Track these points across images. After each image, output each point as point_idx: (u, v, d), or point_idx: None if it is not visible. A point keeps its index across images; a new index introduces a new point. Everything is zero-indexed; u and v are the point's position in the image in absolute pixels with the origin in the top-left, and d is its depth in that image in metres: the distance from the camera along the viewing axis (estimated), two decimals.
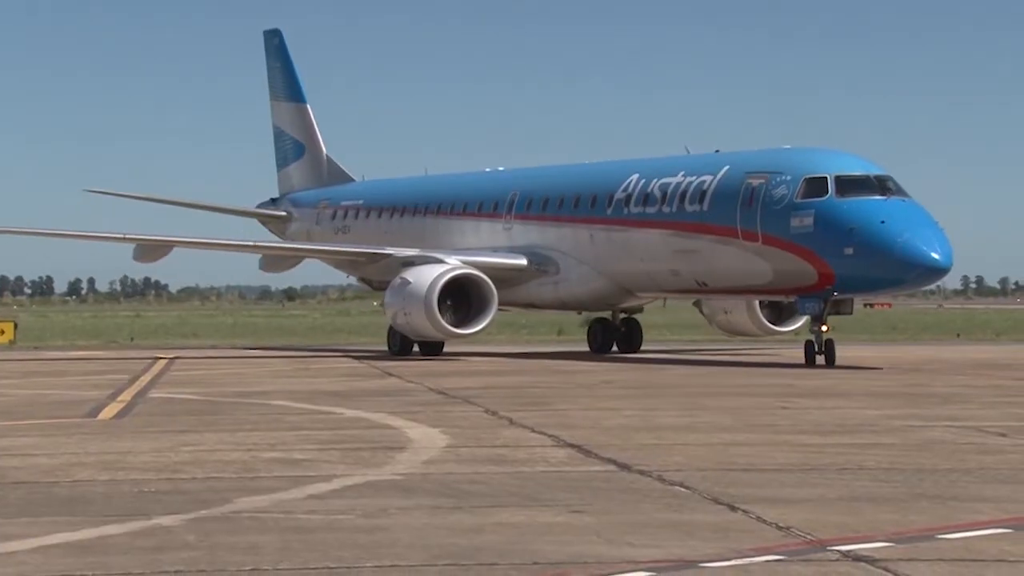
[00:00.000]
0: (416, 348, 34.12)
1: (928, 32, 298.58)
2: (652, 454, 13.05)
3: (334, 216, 42.45)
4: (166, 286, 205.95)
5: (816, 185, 28.56)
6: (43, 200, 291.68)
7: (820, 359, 28.32)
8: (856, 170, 29.06)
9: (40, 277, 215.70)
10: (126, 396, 21.63)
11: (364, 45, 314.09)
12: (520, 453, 13.32)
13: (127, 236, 37.34)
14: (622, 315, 37.08)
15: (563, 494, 10.49)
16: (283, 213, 44.71)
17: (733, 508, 9.74)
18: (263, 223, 45.73)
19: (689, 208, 30.95)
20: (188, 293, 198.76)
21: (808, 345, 28.93)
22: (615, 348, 36.71)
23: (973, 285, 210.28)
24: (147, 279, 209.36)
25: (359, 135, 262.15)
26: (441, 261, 33.15)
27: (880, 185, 28.53)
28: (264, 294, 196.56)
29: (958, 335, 49.58)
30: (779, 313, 33.86)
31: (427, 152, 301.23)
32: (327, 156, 45.36)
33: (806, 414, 17.70)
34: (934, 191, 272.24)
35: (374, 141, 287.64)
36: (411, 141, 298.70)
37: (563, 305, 36.18)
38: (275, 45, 46.34)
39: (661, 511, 9.70)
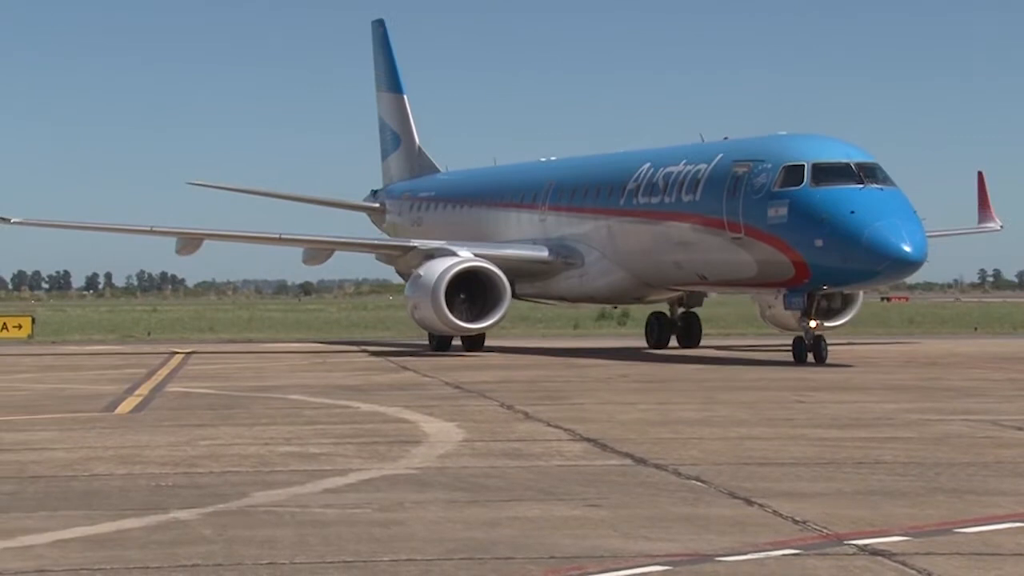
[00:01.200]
0: (458, 342, 33.65)
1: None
2: (668, 448, 13.04)
3: (411, 208, 41.91)
4: (183, 280, 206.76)
5: (794, 173, 27.32)
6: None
7: (811, 356, 27.03)
8: (836, 157, 27.59)
9: (57, 271, 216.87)
10: (143, 390, 21.69)
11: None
12: (536, 447, 13.32)
13: (154, 229, 37.45)
14: (681, 309, 35.68)
15: (579, 488, 10.49)
16: (377, 205, 44.15)
17: (749, 502, 9.73)
18: (368, 215, 45.20)
19: (685, 198, 30.11)
20: (205, 287, 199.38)
21: (797, 342, 27.74)
22: (675, 343, 35.46)
23: (991, 279, 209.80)
24: (164, 273, 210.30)
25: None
26: (454, 254, 32.60)
27: (859, 173, 27.08)
28: (280, 288, 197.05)
29: (975, 328, 49.42)
30: (827, 307, 30.51)
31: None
32: (419, 147, 44.83)
33: (822, 408, 17.66)
34: (952, 182, 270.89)
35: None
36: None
37: (590, 299, 35.54)
38: (380, 35, 45.97)
39: (677, 505, 9.69)
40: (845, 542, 8.21)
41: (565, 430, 14.79)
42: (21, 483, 11.03)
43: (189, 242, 36.23)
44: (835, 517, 9.03)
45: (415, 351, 33.78)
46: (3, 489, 10.66)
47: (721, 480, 10.80)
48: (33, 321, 49.91)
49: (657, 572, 7.42)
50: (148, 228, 38.27)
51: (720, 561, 7.68)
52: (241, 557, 7.85)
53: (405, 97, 45.62)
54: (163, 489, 10.62)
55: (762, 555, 7.83)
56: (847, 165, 27.28)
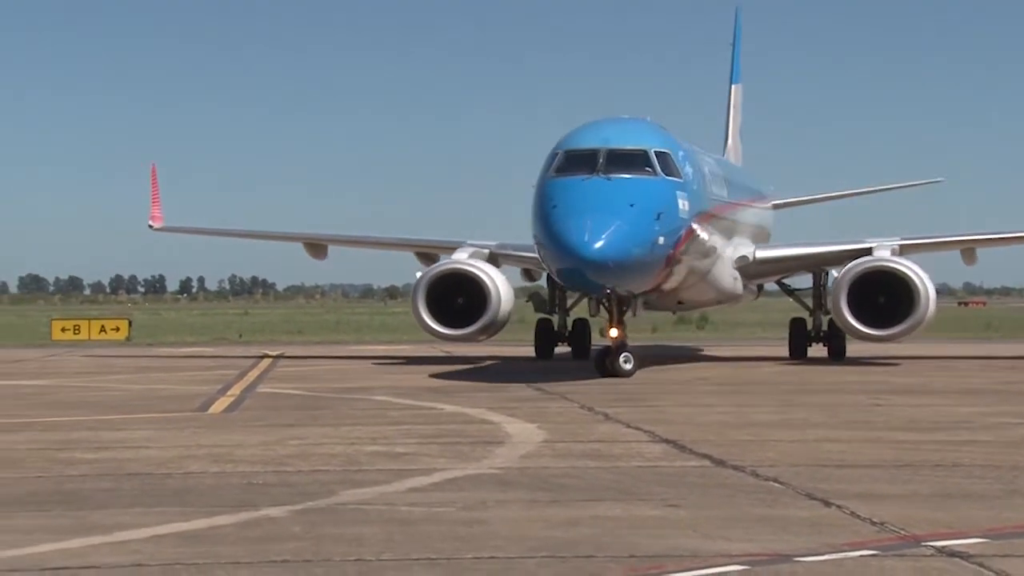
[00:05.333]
0: (567, 348, 31.91)
1: None
2: (746, 450, 12.94)
3: None
4: (273, 284, 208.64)
5: (554, 161, 24.17)
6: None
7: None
8: (590, 144, 24.02)
9: (152, 275, 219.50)
10: (235, 391, 21.89)
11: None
12: (616, 448, 13.27)
13: (284, 234, 36.99)
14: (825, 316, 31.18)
15: (658, 488, 10.44)
16: None
17: (827, 503, 9.63)
18: None
19: None
20: (293, 291, 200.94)
21: (598, 355, 24.96)
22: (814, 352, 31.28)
23: None
24: (254, 277, 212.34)
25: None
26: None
27: (601, 161, 23.39)
28: (366, 292, 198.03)
29: None
30: (878, 316, 27.64)
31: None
32: (731, 140, 41.84)
33: (900, 411, 17.46)
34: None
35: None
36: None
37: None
38: (736, 24, 43.64)
39: (755, 506, 9.62)
40: (923, 543, 8.11)
41: (644, 431, 14.73)
42: (118, 480, 11.17)
43: (316, 248, 35.17)
44: (913, 519, 8.92)
45: (499, 356, 33.71)
46: (101, 486, 10.80)
47: (799, 481, 10.70)
48: (130, 324, 50.65)
49: (736, 572, 7.36)
50: (277, 234, 37.79)
51: (798, 561, 7.61)
52: (329, 553, 7.89)
53: (734, 87, 42.65)
54: (254, 487, 10.69)
55: (840, 556, 7.74)
56: (594, 152, 23.66)
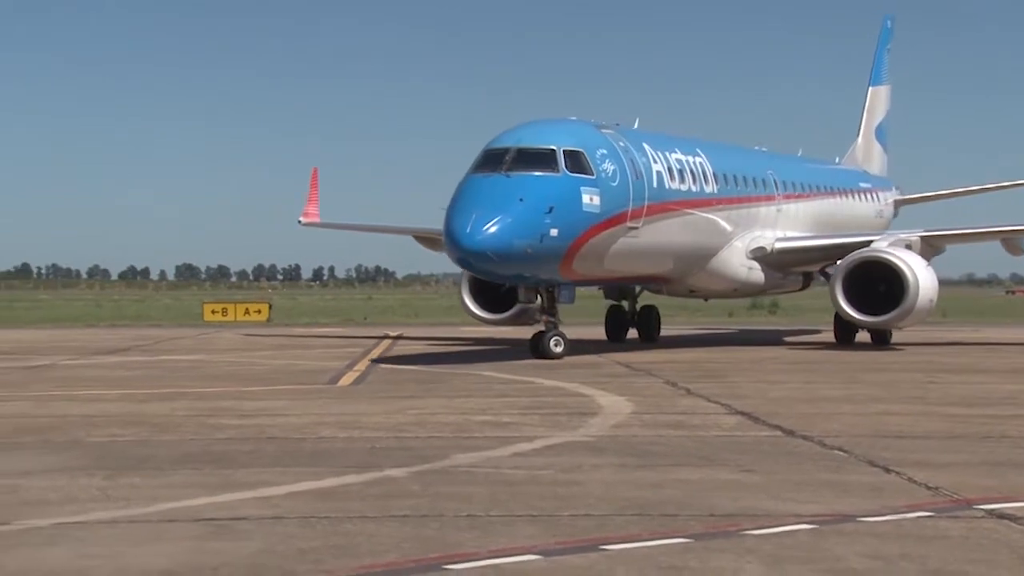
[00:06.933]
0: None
1: None
2: (813, 422, 12.79)
3: None
4: (393, 273, 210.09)
5: (476, 158, 23.33)
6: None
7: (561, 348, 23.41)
8: (504, 143, 23.20)
9: (289, 264, 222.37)
10: (360, 367, 22.06)
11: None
12: (696, 419, 13.19)
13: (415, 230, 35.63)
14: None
15: (735, 455, 10.36)
16: None
17: (887, 470, 9.50)
18: None
19: None
20: (411, 279, 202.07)
21: (532, 338, 23.99)
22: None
23: None
24: (377, 267, 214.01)
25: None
26: None
27: (508, 160, 22.62)
28: None
29: None
30: (877, 304, 26.65)
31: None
32: (859, 141, 40.46)
33: (952, 388, 17.16)
34: None
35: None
36: None
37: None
38: (882, 29, 42.02)
39: (822, 472, 9.50)
40: (974, 506, 7.96)
41: (722, 405, 14.62)
42: (260, 443, 11.31)
43: (428, 241, 33.89)
44: (965, 484, 8.76)
45: (577, 340, 33.54)
46: (245, 448, 10.95)
47: (861, 450, 10.55)
48: (270, 307, 51.34)
49: (805, 530, 7.28)
50: (396, 228, 37.21)
51: (861, 521, 7.51)
52: (443, 510, 7.93)
53: (871, 89, 41.19)
54: (377, 451, 10.76)
55: (898, 517, 7.63)
56: (505, 151, 22.91)
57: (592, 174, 23.30)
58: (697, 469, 9.62)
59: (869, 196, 36.62)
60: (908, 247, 27.87)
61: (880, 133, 41.27)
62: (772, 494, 8.47)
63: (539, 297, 23.95)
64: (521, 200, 22.02)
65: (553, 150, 23.03)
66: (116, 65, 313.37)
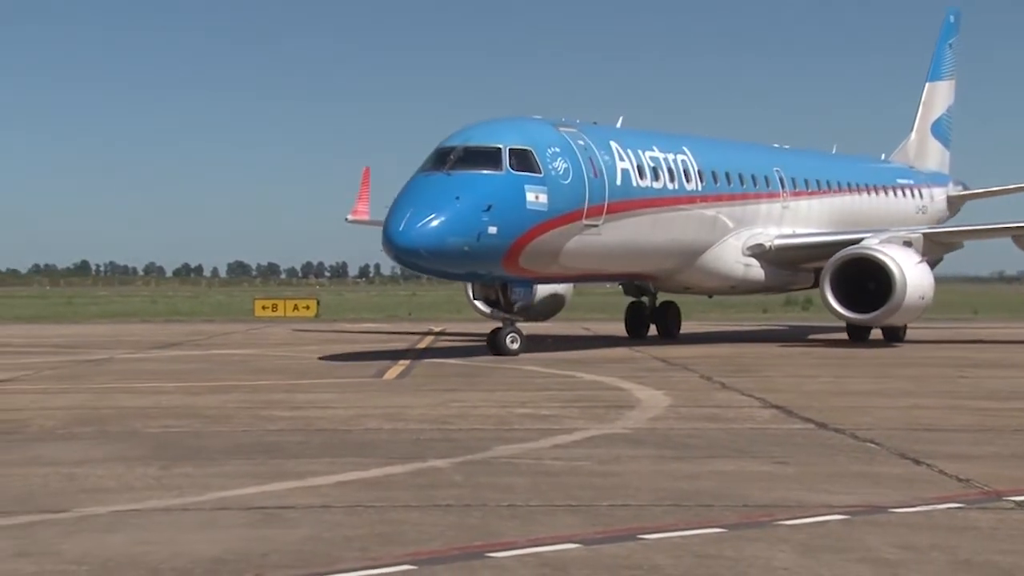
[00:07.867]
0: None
1: None
2: (846, 415, 12.72)
3: None
4: None
5: (426, 157, 22.81)
6: None
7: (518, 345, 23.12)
8: (453, 142, 22.60)
9: (336, 262, 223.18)
10: (405, 361, 22.11)
11: None
12: (731, 412, 13.15)
13: None
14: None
15: (768, 448, 10.32)
16: None
17: (918, 462, 9.43)
18: None
19: None
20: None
21: (489, 334, 23.65)
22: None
23: None
24: None
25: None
26: None
27: (453, 159, 22.07)
28: None
29: None
30: (856, 299, 26.05)
31: None
32: (912, 136, 39.25)
33: (983, 382, 17.01)
34: None
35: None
36: None
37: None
38: (944, 24, 40.55)
39: (854, 463, 9.45)
40: (1004, 498, 7.89)
41: (756, 398, 14.56)
42: (308, 435, 11.37)
43: None
44: (995, 476, 8.68)
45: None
46: (294, 439, 11.01)
47: (892, 443, 10.48)
48: (318, 303, 51.52)
49: (837, 520, 7.24)
50: None
51: (892, 512, 7.46)
52: (485, 499, 7.94)
53: (928, 84, 39.83)
54: (422, 442, 10.78)
55: (929, 508, 7.58)
56: (451, 150, 22.31)
57: (539, 172, 22.60)
58: (732, 461, 9.59)
59: (909, 192, 35.61)
60: (908, 244, 27.19)
61: (938, 128, 39.97)
62: (805, 485, 8.43)
63: (496, 293, 23.56)
64: (457, 199, 21.48)
65: (499, 148, 22.36)
66: (166, 73, 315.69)
